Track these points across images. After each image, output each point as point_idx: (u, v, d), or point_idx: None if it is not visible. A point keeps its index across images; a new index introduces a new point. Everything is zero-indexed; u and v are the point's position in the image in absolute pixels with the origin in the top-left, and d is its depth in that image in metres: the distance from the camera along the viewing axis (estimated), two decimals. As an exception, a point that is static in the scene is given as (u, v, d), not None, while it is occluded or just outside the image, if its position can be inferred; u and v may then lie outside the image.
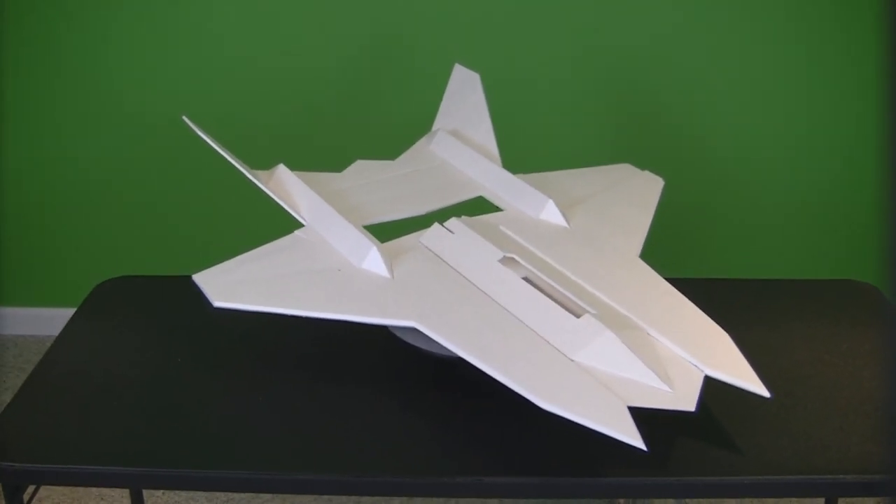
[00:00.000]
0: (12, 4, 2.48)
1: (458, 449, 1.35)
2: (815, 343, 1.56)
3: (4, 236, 2.74)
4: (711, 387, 1.32)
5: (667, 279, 1.50)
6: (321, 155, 2.43)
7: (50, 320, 2.76)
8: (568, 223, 1.62)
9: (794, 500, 2.18)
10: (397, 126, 2.09)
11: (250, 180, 1.63)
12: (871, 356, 1.53)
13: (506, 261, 1.47)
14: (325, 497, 1.65)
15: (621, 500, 2.09)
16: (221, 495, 2.24)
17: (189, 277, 1.47)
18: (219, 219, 2.69)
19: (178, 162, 2.61)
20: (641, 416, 1.24)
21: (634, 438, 1.20)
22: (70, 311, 1.68)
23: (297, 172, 1.67)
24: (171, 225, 2.72)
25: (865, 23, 2.40)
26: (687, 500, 2.06)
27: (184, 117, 1.67)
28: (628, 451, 1.21)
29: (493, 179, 1.72)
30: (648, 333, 1.38)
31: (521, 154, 1.92)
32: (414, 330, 1.40)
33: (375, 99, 2.54)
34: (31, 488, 1.42)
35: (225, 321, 1.49)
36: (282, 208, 1.61)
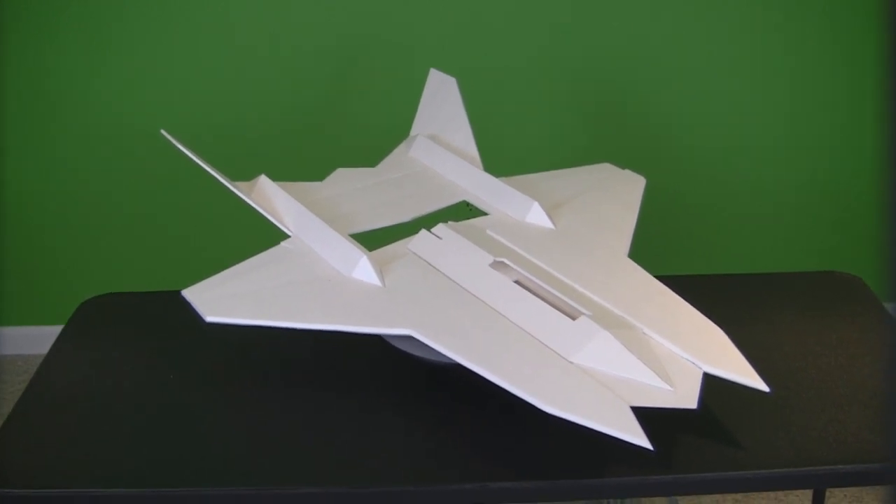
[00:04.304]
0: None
1: (460, 456, 1.34)
2: (803, 336, 1.57)
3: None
4: (706, 383, 1.32)
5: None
6: (298, 164, 2.43)
7: (31, 339, 2.75)
8: (554, 225, 1.62)
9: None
10: (373, 133, 2.08)
11: (233, 192, 1.62)
12: (860, 346, 1.54)
13: (496, 265, 1.47)
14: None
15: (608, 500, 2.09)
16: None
17: (176, 292, 1.45)
18: (203, 232, 2.67)
19: (158, 176, 2.58)
20: (640, 415, 1.24)
21: (640, 438, 1.21)
22: (49, 329, 1.66)
23: (279, 183, 1.65)
24: (154, 239, 2.68)
25: (851, 12, 2.43)
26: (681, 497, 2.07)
27: (162, 131, 1.66)
28: (630, 451, 1.22)
29: (476, 183, 1.72)
30: (644, 332, 1.38)
31: (496, 157, 1.92)
32: (408, 338, 1.39)
33: (349, 106, 2.53)
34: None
35: (216, 335, 1.48)
36: (266, 220, 1.60)
